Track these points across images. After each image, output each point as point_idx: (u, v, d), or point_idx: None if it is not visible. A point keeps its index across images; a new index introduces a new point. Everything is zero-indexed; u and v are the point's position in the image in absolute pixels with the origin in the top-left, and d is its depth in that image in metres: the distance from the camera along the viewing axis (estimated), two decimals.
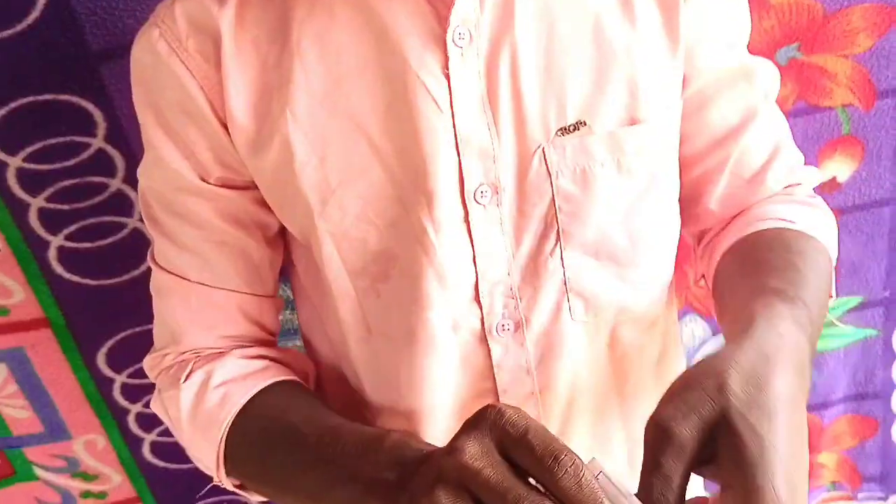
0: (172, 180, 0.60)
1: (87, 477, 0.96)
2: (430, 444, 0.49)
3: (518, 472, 0.41)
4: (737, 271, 0.61)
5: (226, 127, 0.58)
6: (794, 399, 0.43)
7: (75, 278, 0.86)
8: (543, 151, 0.57)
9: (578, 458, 0.40)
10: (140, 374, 0.92)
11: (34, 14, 0.74)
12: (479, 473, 0.40)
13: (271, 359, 0.66)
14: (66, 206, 0.83)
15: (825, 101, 0.89)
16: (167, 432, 0.96)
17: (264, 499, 0.64)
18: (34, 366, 0.89)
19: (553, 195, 0.59)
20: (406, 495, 0.44)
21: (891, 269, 0.99)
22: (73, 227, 0.84)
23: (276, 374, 0.64)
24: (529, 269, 0.61)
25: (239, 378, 0.63)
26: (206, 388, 0.62)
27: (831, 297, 0.62)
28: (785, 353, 0.45)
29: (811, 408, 1.09)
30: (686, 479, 0.41)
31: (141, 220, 0.84)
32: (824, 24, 0.84)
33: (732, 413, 0.41)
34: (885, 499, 1.15)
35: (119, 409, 0.94)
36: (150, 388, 0.92)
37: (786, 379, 0.43)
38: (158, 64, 0.57)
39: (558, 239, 0.60)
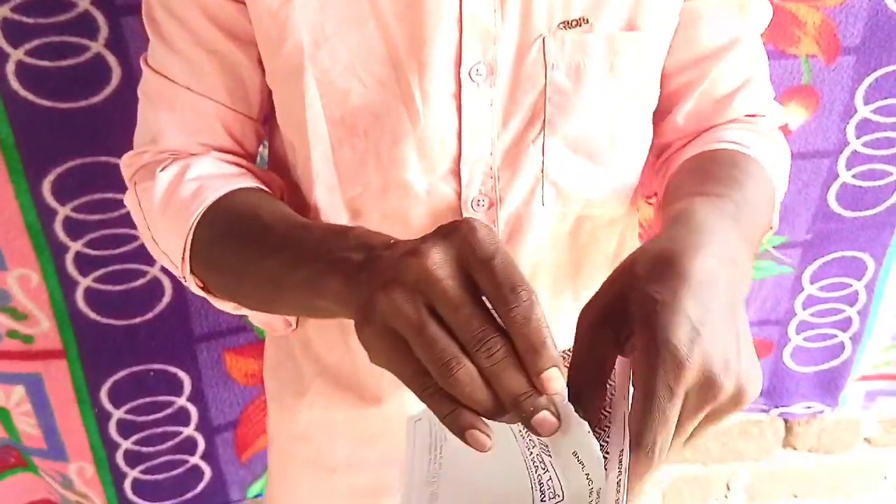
0: None
1: (16, 315, 0.93)
2: (397, 239, 0.47)
3: (476, 293, 0.40)
4: (683, 181, 0.64)
5: None
6: (715, 279, 0.44)
7: (31, 96, 0.84)
8: (544, 41, 0.60)
9: (535, 295, 0.39)
10: (84, 208, 0.90)
11: None
12: (438, 282, 0.39)
13: (248, 170, 0.67)
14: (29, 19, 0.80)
15: (791, 49, 0.92)
16: (103, 279, 0.94)
17: (226, 302, 0.63)
18: None
19: (545, 85, 0.61)
20: (365, 277, 0.43)
21: (816, 216, 1.04)
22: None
23: (251, 182, 0.65)
24: (511, 152, 0.64)
25: (214, 176, 0.63)
26: (180, 180, 0.62)
27: (771, 228, 0.65)
28: (704, 240, 0.46)
29: None
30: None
31: (106, 45, 0.81)
32: None
33: (634, 288, 0.44)
34: (767, 411, 1.26)
35: (58, 245, 0.91)
36: (94, 225, 0.91)
37: (703, 261, 0.44)
38: None
39: (543, 128, 0.63)
